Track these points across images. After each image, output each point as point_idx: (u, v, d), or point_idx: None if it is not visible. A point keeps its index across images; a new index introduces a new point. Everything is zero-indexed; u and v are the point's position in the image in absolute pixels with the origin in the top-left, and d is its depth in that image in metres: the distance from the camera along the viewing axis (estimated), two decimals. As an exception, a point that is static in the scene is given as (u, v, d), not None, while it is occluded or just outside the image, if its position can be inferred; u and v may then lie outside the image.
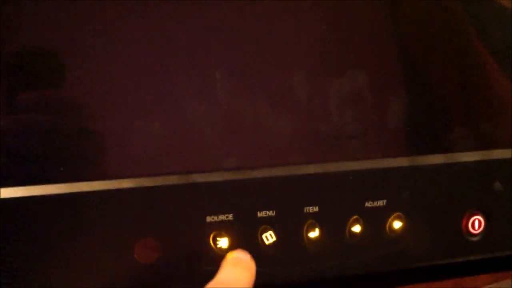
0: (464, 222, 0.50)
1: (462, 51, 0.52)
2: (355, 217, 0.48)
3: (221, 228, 0.45)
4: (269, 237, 0.45)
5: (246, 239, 0.45)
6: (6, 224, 0.41)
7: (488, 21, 0.53)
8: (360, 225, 0.48)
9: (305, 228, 0.46)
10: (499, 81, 0.53)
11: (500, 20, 0.53)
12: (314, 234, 0.46)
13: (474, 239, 0.51)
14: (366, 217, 0.48)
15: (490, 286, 0.53)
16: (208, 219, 0.44)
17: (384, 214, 0.48)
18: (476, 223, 0.50)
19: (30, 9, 0.41)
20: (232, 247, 0.45)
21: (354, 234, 0.48)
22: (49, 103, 0.42)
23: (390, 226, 0.48)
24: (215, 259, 0.43)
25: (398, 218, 0.49)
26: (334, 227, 0.47)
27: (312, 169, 0.47)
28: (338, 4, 0.49)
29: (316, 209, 0.47)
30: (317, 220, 0.47)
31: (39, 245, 0.41)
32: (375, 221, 0.48)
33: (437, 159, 0.50)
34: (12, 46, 0.41)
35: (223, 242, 0.44)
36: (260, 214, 0.45)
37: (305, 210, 0.46)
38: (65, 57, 0.42)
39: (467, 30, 0.52)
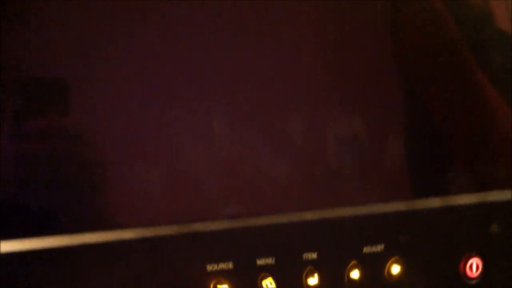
0: (462, 265, 0.51)
1: (461, 93, 0.52)
2: (353, 262, 0.48)
3: (221, 276, 0.45)
4: (269, 285, 0.46)
5: (246, 287, 0.45)
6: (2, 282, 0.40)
7: (492, 56, 0.53)
8: (359, 270, 0.48)
9: (304, 274, 0.47)
10: (502, 121, 0.53)
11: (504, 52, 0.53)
12: (313, 280, 0.47)
13: (473, 282, 0.51)
14: (364, 262, 0.48)
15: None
16: (209, 267, 0.45)
17: (383, 259, 0.49)
18: (474, 266, 0.51)
19: (36, 39, 0.42)
20: (232, 295, 0.45)
21: (353, 280, 0.48)
22: (48, 154, 0.42)
23: (389, 271, 0.49)
24: (216, 308, 0.44)
25: (397, 262, 0.49)
26: (333, 273, 0.47)
27: (309, 215, 0.47)
28: (335, 46, 0.49)
29: (314, 255, 0.47)
30: (316, 266, 0.47)
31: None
32: (374, 266, 0.48)
33: (434, 202, 0.50)
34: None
35: (223, 290, 0.45)
36: (260, 261, 0.46)
37: (304, 257, 0.47)
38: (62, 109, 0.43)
39: (471, 67, 0.52)
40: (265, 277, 0.46)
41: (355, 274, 0.48)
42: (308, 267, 0.47)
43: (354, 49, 0.50)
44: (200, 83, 0.45)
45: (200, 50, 0.45)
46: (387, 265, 0.49)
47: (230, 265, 0.45)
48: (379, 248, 0.48)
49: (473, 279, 0.51)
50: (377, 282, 0.48)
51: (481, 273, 0.51)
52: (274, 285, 0.46)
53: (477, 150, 0.53)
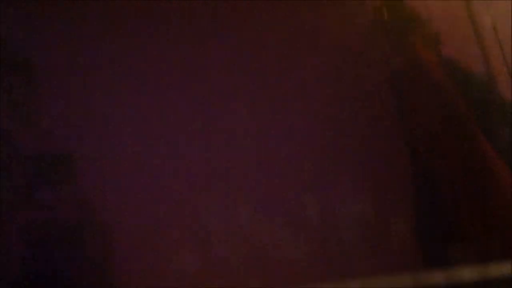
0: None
1: (466, 165, 0.55)
2: (365, 331, 0.52)
3: None
4: None
5: None
6: None
7: (496, 124, 0.57)
8: (371, 337, 0.52)
9: None
10: (507, 191, 0.56)
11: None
12: None
13: None
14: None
15: None
16: None
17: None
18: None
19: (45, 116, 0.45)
20: None
21: None
22: (68, 222, 0.44)
23: (399, 339, 0.53)
24: None
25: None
26: None
27: (326, 286, 0.51)
28: (342, 130, 0.54)
29: (331, 323, 0.51)
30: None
31: None
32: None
33: (438, 277, 0.54)
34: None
35: None
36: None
37: (321, 325, 0.50)
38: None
39: (475, 137, 0.55)
40: None
41: None
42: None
43: (358, 130, 0.54)
44: (226, 173, 0.50)
45: (221, 138, 0.50)
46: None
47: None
48: (389, 318, 0.52)
49: None
50: None
51: None
52: None
53: (481, 222, 0.56)
